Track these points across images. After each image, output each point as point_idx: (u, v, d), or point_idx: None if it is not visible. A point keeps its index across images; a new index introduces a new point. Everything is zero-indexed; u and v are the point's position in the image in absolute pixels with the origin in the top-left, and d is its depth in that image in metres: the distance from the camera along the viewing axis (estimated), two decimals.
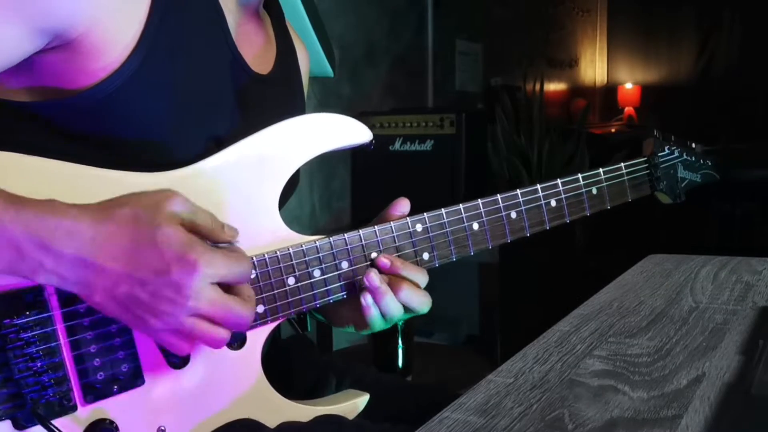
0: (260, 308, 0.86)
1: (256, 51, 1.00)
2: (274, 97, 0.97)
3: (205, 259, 0.72)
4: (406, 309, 0.92)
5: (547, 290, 3.19)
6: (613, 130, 5.72)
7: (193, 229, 0.74)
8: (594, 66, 6.30)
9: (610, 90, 6.32)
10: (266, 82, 0.99)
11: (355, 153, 3.18)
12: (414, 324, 1.84)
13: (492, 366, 0.96)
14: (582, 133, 3.87)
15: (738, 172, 3.74)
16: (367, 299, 0.89)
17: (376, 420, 0.96)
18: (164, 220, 0.72)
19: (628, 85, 6.20)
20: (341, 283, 0.90)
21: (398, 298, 0.90)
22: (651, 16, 6.06)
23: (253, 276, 0.85)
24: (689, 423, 0.67)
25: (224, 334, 0.75)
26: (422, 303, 0.92)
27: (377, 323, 0.91)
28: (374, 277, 0.89)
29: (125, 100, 0.82)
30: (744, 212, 4.17)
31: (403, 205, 0.96)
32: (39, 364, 0.76)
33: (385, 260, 0.92)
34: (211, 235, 0.76)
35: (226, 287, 0.75)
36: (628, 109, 6.10)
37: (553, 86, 5.52)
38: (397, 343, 1.86)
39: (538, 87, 3.88)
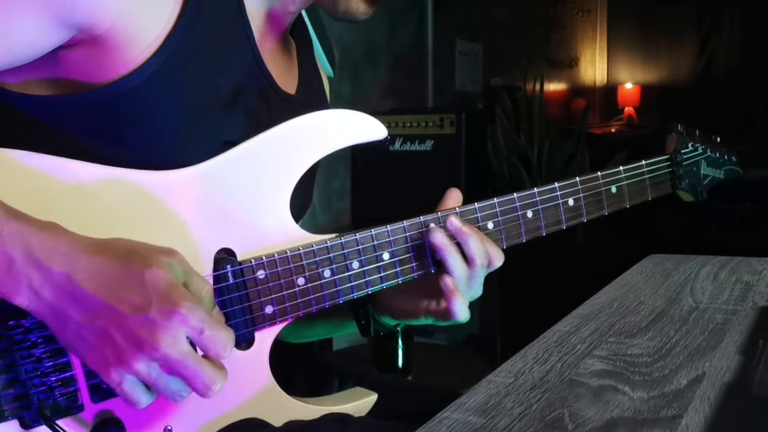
0: (269, 309, 0.86)
1: (281, 69, 1.00)
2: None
3: (187, 305, 0.69)
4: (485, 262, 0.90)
5: (547, 290, 3.19)
6: (613, 130, 5.73)
7: (186, 287, 0.73)
8: (594, 66, 6.30)
9: (610, 90, 6.32)
10: (290, 101, 0.99)
11: (355, 153, 3.18)
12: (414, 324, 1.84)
13: (492, 366, 0.96)
14: (582, 133, 3.86)
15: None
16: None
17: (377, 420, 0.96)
18: (158, 263, 0.71)
19: (628, 85, 6.20)
20: (352, 284, 0.90)
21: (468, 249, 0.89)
22: (651, 16, 6.06)
23: (262, 276, 0.85)
24: (689, 423, 0.67)
25: (186, 393, 0.72)
26: (498, 252, 0.92)
27: (460, 292, 0.90)
28: (440, 236, 0.89)
29: (142, 100, 0.82)
30: (744, 212, 4.17)
31: (456, 195, 0.95)
32: (46, 365, 0.76)
33: (456, 222, 0.90)
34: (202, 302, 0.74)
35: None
36: (628, 109, 6.10)
37: (553, 86, 5.52)
38: (397, 343, 1.86)
39: (538, 87, 3.88)
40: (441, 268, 0.91)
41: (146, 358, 0.69)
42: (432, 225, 0.91)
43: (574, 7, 5.92)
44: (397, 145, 3.07)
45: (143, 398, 0.71)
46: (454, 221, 0.90)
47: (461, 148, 3.01)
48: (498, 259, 0.92)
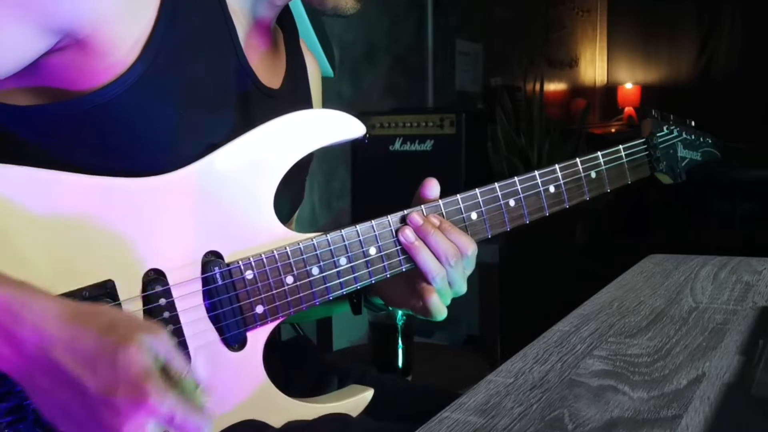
0: (260, 309, 0.86)
1: (266, 64, 0.99)
2: (282, 112, 0.97)
3: (156, 396, 0.64)
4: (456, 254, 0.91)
5: (547, 290, 3.19)
6: (613, 130, 5.73)
7: (164, 371, 0.68)
8: (594, 66, 6.31)
9: (610, 90, 6.33)
10: (275, 96, 0.98)
11: (355, 153, 3.18)
12: (414, 324, 1.84)
13: (492, 366, 0.96)
14: (582, 133, 3.87)
15: (738, 172, 3.74)
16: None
17: (377, 420, 0.96)
18: (134, 342, 0.66)
19: (628, 85, 6.21)
20: (340, 280, 0.90)
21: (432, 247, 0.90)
22: (651, 16, 6.06)
23: (250, 277, 0.85)
24: (689, 423, 0.67)
25: None
26: (468, 241, 0.92)
27: (435, 290, 0.91)
28: (408, 233, 0.90)
29: (127, 106, 0.81)
30: (744, 212, 4.18)
31: (433, 187, 0.95)
32: None
33: (417, 218, 0.91)
34: (180, 387, 0.69)
35: None
36: (628, 109, 6.11)
37: (553, 86, 5.52)
38: (397, 343, 1.86)
39: (538, 87, 3.88)
40: None
41: None
42: (400, 224, 0.92)
43: (574, 7, 5.92)
44: (397, 145, 3.07)
45: None
46: (414, 218, 0.91)
47: (461, 148, 3.01)
48: (468, 248, 0.92)
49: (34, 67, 0.80)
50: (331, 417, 0.91)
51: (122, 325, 0.68)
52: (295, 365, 1.10)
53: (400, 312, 1.04)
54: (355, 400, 0.95)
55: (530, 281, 3.29)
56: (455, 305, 0.96)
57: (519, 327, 3.06)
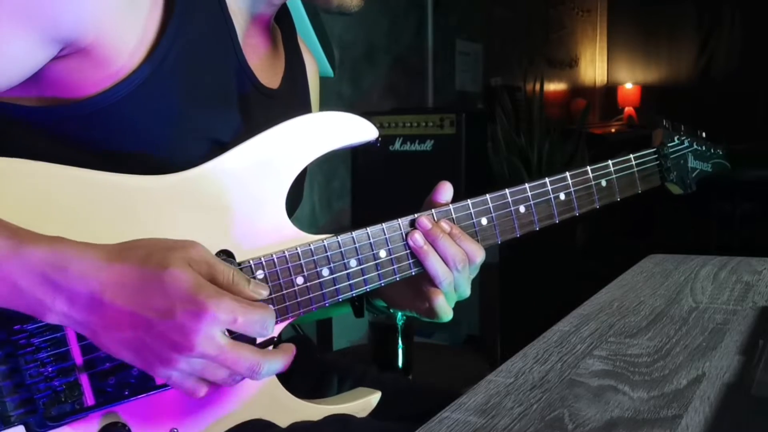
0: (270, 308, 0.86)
1: (265, 64, 1.00)
2: (281, 112, 0.97)
3: (213, 302, 0.69)
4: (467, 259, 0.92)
5: (547, 290, 3.19)
6: (613, 130, 5.73)
7: (210, 280, 0.72)
8: (594, 66, 6.30)
9: (610, 90, 6.32)
10: (273, 96, 0.99)
11: (355, 153, 3.18)
12: (414, 324, 1.84)
13: (492, 366, 0.96)
14: (582, 133, 3.87)
15: (738, 172, 3.74)
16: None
17: (376, 420, 0.96)
18: (175, 261, 0.70)
19: (628, 85, 6.20)
20: (350, 282, 0.90)
21: (441, 253, 0.91)
22: (651, 16, 6.06)
23: (261, 276, 0.85)
24: (689, 423, 0.67)
25: (238, 376, 0.74)
26: (477, 249, 0.93)
27: (442, 293, 0.92)
28: (418, 237, 0.91)
29: (130, 110, 0.82)
30: (744, 212, 4.18)
31: (446, 190, 0.96)
32: (50, 369, 0.76)
33: (426, 222, 0.92)
34: (231, 290, 0.73)
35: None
36: (628, 109, 6.11)
37: (553, 86, 5.52)
38: (397, 343, 1.86)
39: (538, 87, 3.88)
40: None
41: (185, 357, 0.70)
42: (410, 228, 0.92)
43: (574, 7, 5.92)
44: (397, 145, 3.07)
45: (198, 387, 0.73)
46: (424, 222, 0.92)
47: (461, 148, 3.01)
48: (477, 256, 0.93)
49: (37, 76, 0.81)
50: (334, 417, 0.91)
51: (157, 250, 0.72)
52: (295, 366, 1.10)
53: (400, 312, 1.04)
54: (363, 402, 0.95)
55: (530, 281, 3.29)
56: (455, 305, 0.96)
57: (519, 327, 3.06)
